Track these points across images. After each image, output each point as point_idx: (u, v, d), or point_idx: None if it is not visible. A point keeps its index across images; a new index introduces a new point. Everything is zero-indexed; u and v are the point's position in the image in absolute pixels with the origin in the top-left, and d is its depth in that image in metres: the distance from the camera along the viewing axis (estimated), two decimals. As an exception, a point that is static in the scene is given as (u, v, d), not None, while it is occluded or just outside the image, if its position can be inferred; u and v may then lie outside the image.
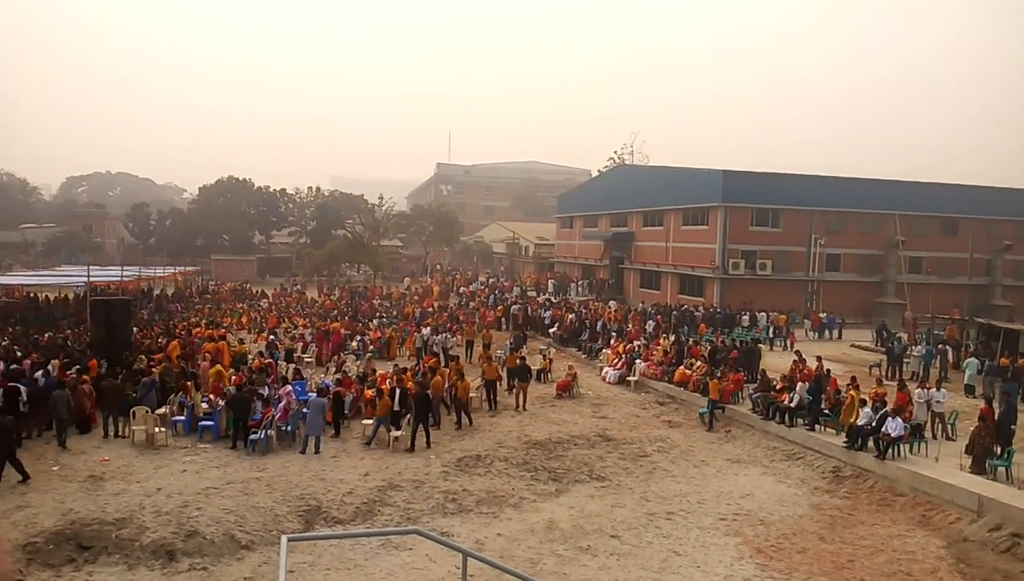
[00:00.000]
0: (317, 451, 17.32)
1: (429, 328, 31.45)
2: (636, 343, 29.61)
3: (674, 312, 38.28)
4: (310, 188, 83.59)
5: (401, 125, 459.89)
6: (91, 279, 34.44)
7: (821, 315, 38.70)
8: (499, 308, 41.61)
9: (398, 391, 18.80)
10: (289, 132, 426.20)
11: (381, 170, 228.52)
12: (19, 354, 22.36)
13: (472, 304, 45.12)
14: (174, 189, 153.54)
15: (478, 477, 16.07)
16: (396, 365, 23.09)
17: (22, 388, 17.73)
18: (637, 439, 19.42)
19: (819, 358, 23.20)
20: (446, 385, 21.18)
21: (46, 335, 27.58)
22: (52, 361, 20.59)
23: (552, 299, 46.66)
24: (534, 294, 50.87)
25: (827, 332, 37.59)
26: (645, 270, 50.08)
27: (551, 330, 36.02)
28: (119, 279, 39.68)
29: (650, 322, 35.18)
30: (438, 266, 75.80)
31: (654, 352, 27.82)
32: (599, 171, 79.15)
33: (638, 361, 27.02)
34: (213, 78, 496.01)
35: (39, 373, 19.18)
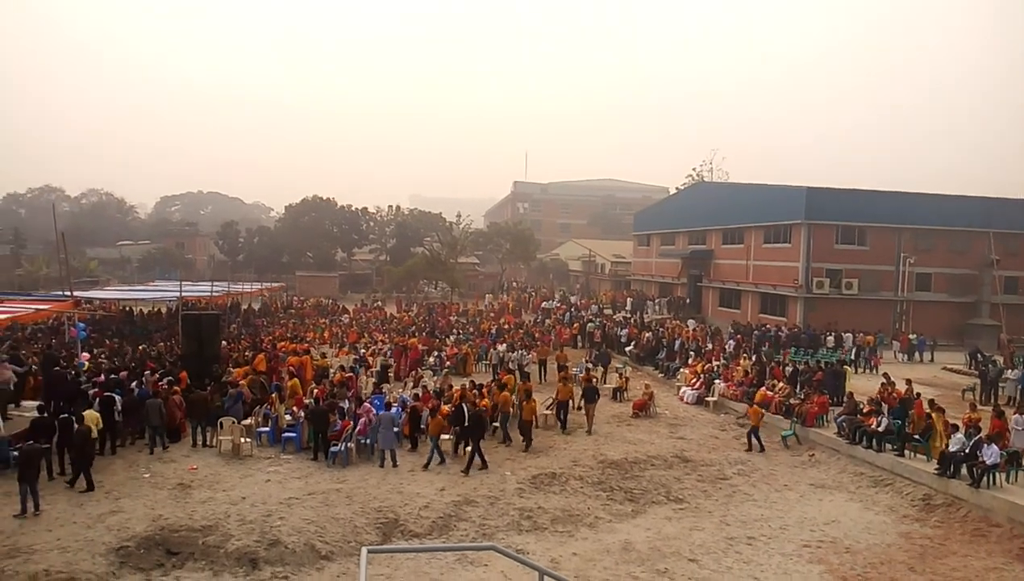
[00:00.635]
0: (395, 464, 17.56)
1: (505, 345, 31.55)
2: (715, 363, 29.05)
3: (755, 332, 37.41)
4: (390, 207, 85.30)
5: (479, 146, 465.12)
6: (183, 294, 35.80)
7: (911, 337, 37.16)
8: (575, 326, 41.47)
9: (464, 408, 18.88)
10: (371, 155, 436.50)
11: (459, 189, 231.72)
12: (116, 365, 23.46)
13: (548, 321, 45.09)
14: (262, 208, 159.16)
15: (553, 495, 15.99)
16: (472, 381, 23.22)
17: (117, 398, 18.56)
18: (716, 461, 19.00)
19: (908, 381, 22.27)
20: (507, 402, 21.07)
21: (140, 347, 28.80)
22: (146, 372, 21.47)
23: (629, 317, 46.19)
24: (610, 312, 50.48)
25: (917, 354, 36.06)
26: (724, 288, 49.12)
27: (627, 348, 35.66)
28: (209, 294, 41.16)
29: (730, 341, 34.45)
30: (514, 283, 76.13)
31: (734, 372, 27.22)
32: (677, 189, 78.26)
33: (717, 381, 26.48)
34: (298, 108, 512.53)
35: (133, 383, 20.03)
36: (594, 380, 24.45)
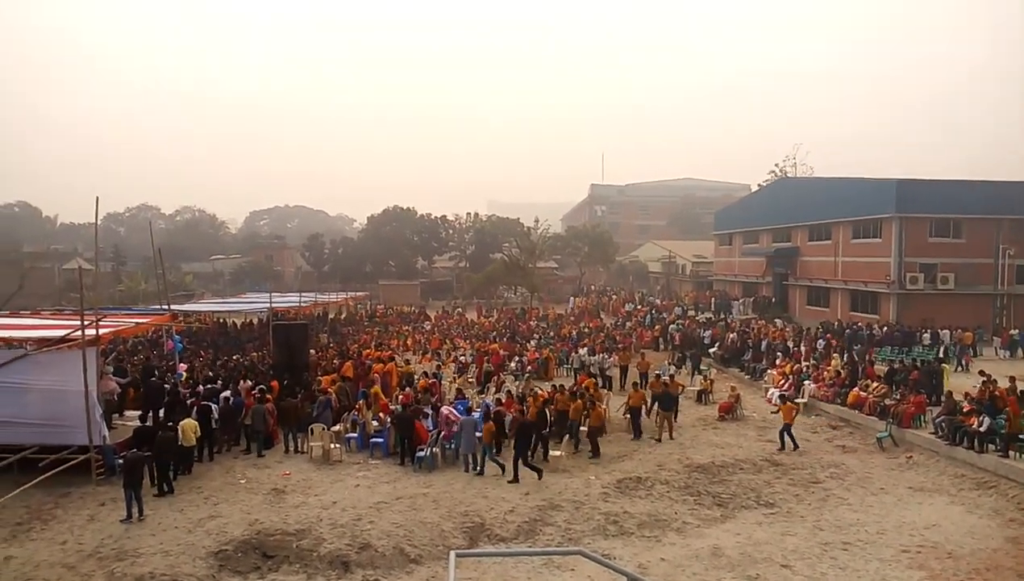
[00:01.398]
0: (479, 470, 17.69)
1: (586, 349, 31.44)
2: (805, 363, 28.21)
3: (846, 330, 36.18)
4: (469, 214, 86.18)
5: (555, 150, 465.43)
6: (273, 305, 36.93)
7: (1012, 332, 35.26)
8: (656, 328, 40.98)
9: (547, 411, 18.91)
10: (449, 163, 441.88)
11: (536, 194, 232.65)
12: (211, 375, 24.43)
13: (629, 324, 44.70)
14: (345, 220, 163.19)
15: (639, 500, 15.82)
16: (554, 385, 23.21)
17: (213, 407, 19.32)
18: (808, 464, 18.44)
19: (1012, 379, 21.10)
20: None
21: (235, 357, 29.88)
22: (240, 382, 22.26)
23: (712, 318, 45.34)
24: (692, 313, 49.68)
25: (1020, 350, 34.20)
26: (812, 286, 47.68)
27: (711, 350, 35.01)
28: (297, 305, 42.28)
29: (820, 341, 33.40)
30: (592, 286, 75.78)
31: (825, 372, 26.38)
32: (759, 185, 76.42)
33: (807, 382, 25.71)
34: (375, 121, 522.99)
35: (228, 393, 20.80)
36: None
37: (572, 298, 62.72)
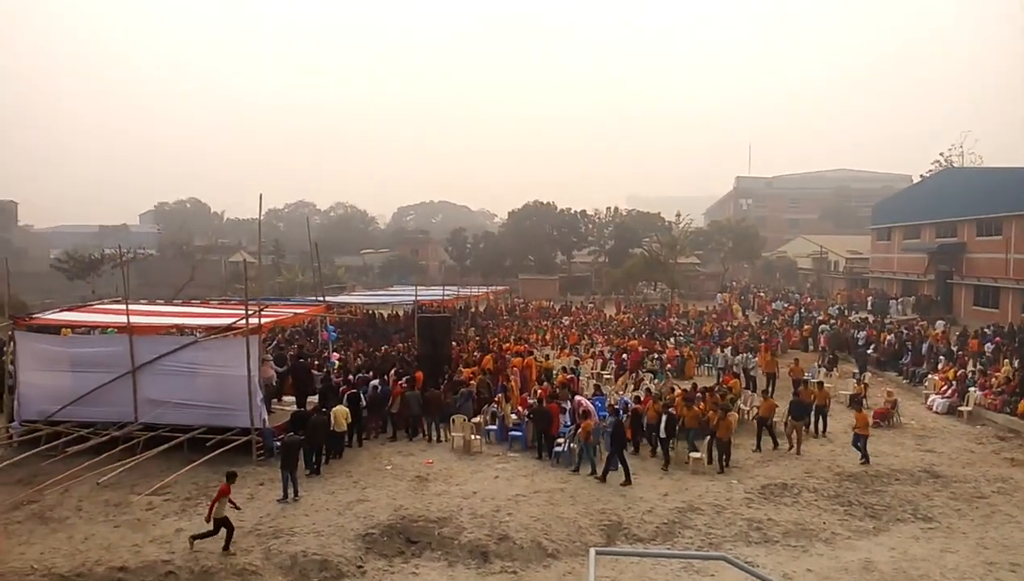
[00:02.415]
0: (614, 469, 17.55)
1: (730, 348, 30.55)
2: (970, 368, 26.20)
3: (1018, 334, 33.27)
4: (608, 209, 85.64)
5: (698, 143, 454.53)
6: (418, 298, 38.13)
7: None
8: (805, 328, 39.22)
9: (664, 416, 18.31)
10: (588, 158, 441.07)
11: (678, 187, 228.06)
12: (361, 364, 25.59)
13: (775, 323, 43.03)
14: (486, 215, 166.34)
15: (784, 507, 15.24)
16: (695, 384, 22.70)
17: (362, 395, 20.24)
18: (972, 477, 17.13)
19: None
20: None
21: (383, 348, 31.13)
22: (388, 371, 23.18)
23: (867, 318, 42.88)
24: (844, 313, 47.17)
25: None
26: (980, 286, 44.11)
27: (866, 352, 33.09)
28: (441, 298, 43.45)
29: (988, 344, 30.88)
30: (733, 283, 73.52)
31: (993, 379, 24.39)
32: (921, 176, 71.48)
33: (973, 389, 23.87)
34: (520, 119, 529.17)
35: (376, 382, 21.71)
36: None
37: (719, 294, 61.16)
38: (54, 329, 22.68)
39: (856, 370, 29.48)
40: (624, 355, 30.34)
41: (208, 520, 12.74)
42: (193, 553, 12.47)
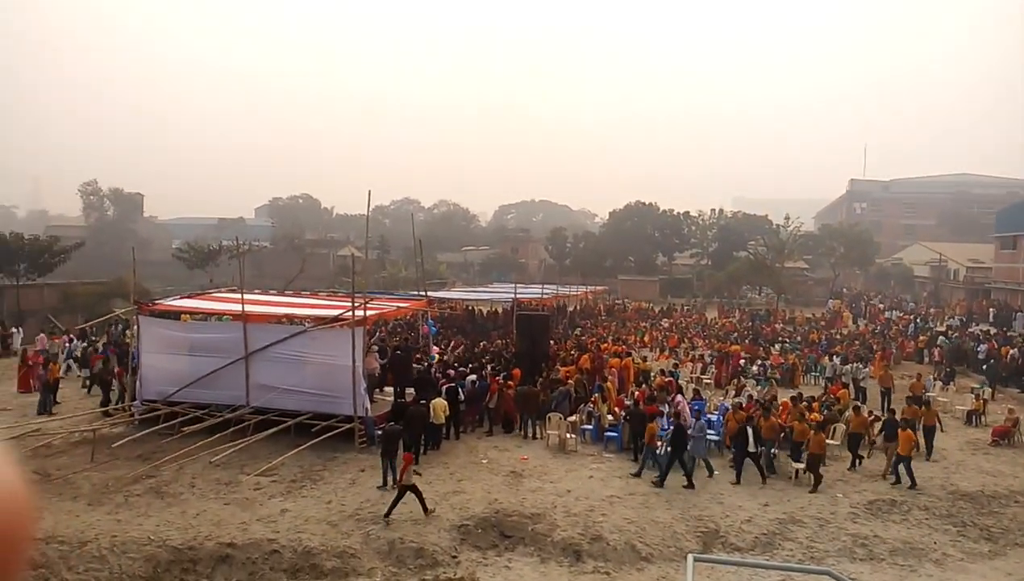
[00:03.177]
0: (710, 474, 17.20)
1: (839, 357, 29.39)
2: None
3: None
4: (712, 210, 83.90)
5: (808, 143, 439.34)
6: (517, 295, 38.38)
7: None
8: (921, 339, 37.32)
9: (749, 429, 17.53)
10: (692, 158, 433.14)
11: (786, 189, 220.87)
12: (460, 358, 25.97)
13: (889, 333, 41.13)
14: (587, 214, 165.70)
15: (892, 524, 14.57)
16: (800, 394, 21.94)
17: (460, 389, 20.53)
18: (1106, 505, 15.93)
19: None
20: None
21: (481, 343, 31.50)
22: (486, 367, 23.45)
23: (989, 331, 40.44)
24: (964, 324, 44.64)
25: None
26: (1120, 300, 40.97)
27: (989, 366, 31.21)
28: (539, 296, 43.53)
29: None
30: (845, 290, 70.66)
31: None
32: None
33: (1108, 410, 22.15)
34: (623, 119, 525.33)
35: (474, 377, 21.99)
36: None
37: (829, 300, 59.01)
38: (174, 315, 23.97)
39: (975, 385, 27.83)
40: (725, 360, 29.65)
41: (396, 485, 14.11)
42: (296, 534, 12.98)
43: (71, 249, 43.68)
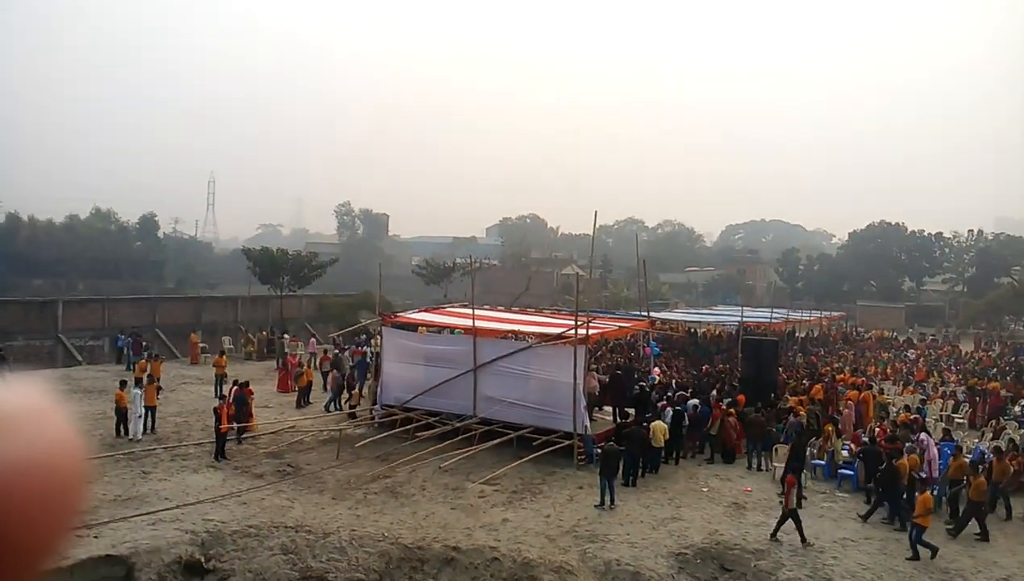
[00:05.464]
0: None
1: None
2: None
3: None
4: (970, 231, 75.94)
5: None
6: (744, 319, 37.04)
7: None
8: None
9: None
10: (944, 170, 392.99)
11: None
12: (683, 381, 25.48)
13: None
14: (823, 235, 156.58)
15: None
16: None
17: (685, 412, 20.11)
18: None
19: None
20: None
21: (703, 367, 30.71)
22: (709, 391, 22.82)
23: None
24: None
25: None
26: None
27: None
28: (768, 321, 41.73)
29: None
30: None
31: None
32: None
33: None
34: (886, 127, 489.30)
35: (695, 401, 21.43)
36: None
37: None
38: (413, 327, 25.66)
39: None
40: (982, 398, 26.59)
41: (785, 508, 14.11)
42: (516, 544, 13.37)
43: (327, 264, 48.47)
